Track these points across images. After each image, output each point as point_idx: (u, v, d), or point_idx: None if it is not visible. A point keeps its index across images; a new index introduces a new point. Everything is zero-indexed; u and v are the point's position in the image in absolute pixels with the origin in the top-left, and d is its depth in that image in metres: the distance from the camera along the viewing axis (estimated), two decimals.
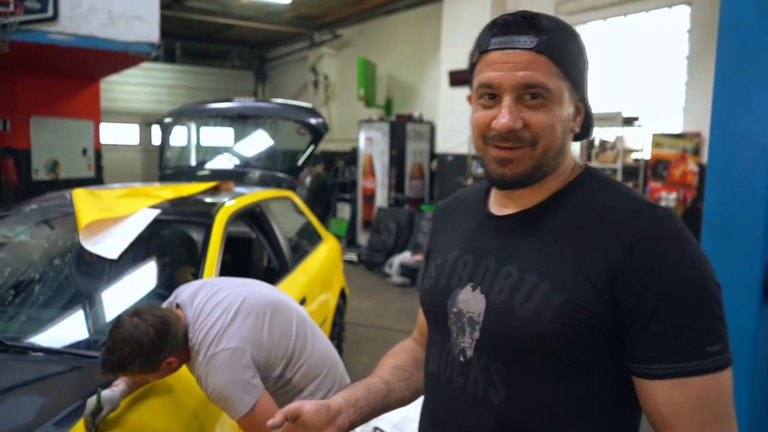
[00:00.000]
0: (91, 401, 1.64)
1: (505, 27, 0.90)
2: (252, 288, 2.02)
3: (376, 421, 3.45)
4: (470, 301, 0.97)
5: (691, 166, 5.94)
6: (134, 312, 1.70)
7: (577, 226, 0.91)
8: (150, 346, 1.63)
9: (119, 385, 1.76)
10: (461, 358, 0.97)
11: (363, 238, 9.48)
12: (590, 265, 0.86)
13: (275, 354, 1.89)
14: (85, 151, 9.14)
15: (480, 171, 7.17)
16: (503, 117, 0.89)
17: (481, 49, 0.93)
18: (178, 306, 1.87)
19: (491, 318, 0.93)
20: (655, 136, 6.25)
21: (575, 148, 7.22)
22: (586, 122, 1.00)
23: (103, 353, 1.63)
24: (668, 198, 5.93)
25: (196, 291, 1.89)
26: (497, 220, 1.01)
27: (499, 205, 1.03)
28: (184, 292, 1.90)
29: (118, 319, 1.70)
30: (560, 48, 0.90)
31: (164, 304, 1.91)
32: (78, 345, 2.10)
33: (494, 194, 1.05)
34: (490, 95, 0.92)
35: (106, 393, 1.68)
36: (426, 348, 1.10)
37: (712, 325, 0.82)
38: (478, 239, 1.02)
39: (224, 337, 1.76)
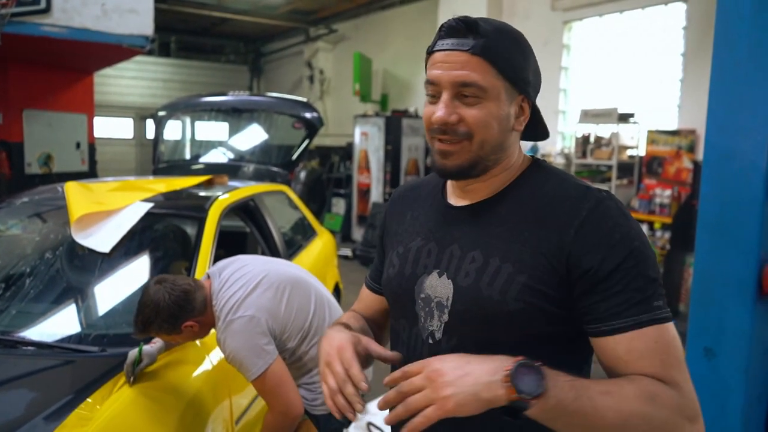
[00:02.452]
0: (133, 353, 1.83)
1: (449, 30, 0.99)
2: (276, 265, 2.18)
3: (369, 417, 3.44)
4: (437, 286, 1.05)
5: (686, 163, 5.94)
6: (158, 279, 1.89)
7: (532, 212, 1.00)
8: (167, 310, 1.82)
9: (158, 342, 1.96)
10: (430, 341, 1.05)
11: (358, 233, 9.47)
12: (547, 246, 0.96)
13: (291, 327, 2.02)
14: (78, 145, 9.09)
15: None
16: (439, 111, 0.99)
17: (428, 50, 1.03)
18: (208, 276, 2.05)
19: (460, 300, 1.01)
20: (650, 132, 6.25)
21: (565, 143, 7.22)
22: (536, 123, 1.08)
23: (134, 315, 1.85)
24: (662, 195, 5.94)
25: (226, 265, 2.08)
26: (458, 211, 1.09)
27: (456, 197, 1.11)
28: (216, 266, 2.10)
29: (146, 285, 1.90)
30: (497, 51, 0.98)
31: (202, 277, 2.10)
32: (69, 339, 2.08)
33: (451, 186, 1.13)
34: (433, 94, 1.01)
35: (146, 348, 1.89)
36: (391, 333, 1.18)
37: (654, 286, 0.93)
38: (440, 229, 1.10)
39: (243, 305, 1.91)
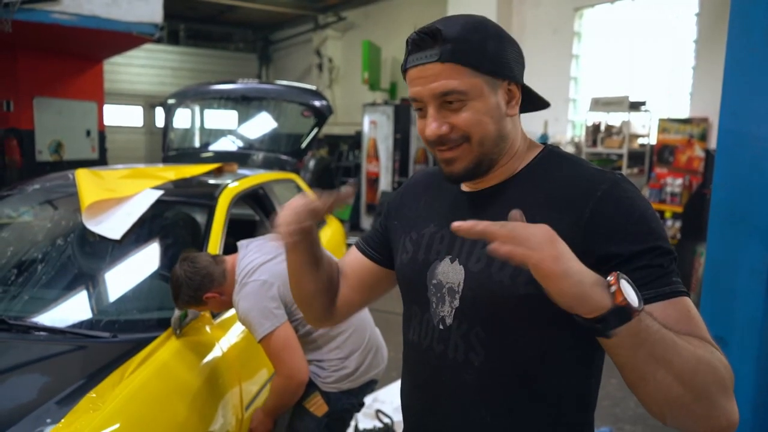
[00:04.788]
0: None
1: (415, 45, 1.00)
2: None
3: (378, 405, 3.46)
4: (449, 272, 1.05)
5: (698, 151, 5.89)
6: (181, 257, 2.07)
7: (545, 196, 1.00)
8: (186, 285, 1.99)
9: None
10: (441, 326, 1.06)
11: (367, 222, 9.48)
12: (560, 227, 0.91)
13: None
14: (88, 133, 9.13)
15: None
16: (429, 126, 1.00)
17: (402, 68, 1.04)
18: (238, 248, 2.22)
19: (471, 286, 1.02)
20: (661, 121, 6.20)
21: (574, 132, 7.17)
22: (530, 98, 1.08)
23: None
24: (673, 184, 5.89)
25: (256, 239, 2.25)
26: (471, 196, 1.09)
27: (468, 184, 1.11)
28: (247, 240, 2.25)
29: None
30: (465, 50, 0.97)
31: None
32: (81, 325, 2.10)
33: None
34: (419, 108, 1.03)
35: None
36: (404, 319, 1.18)
37: (673, 264, 0.92)
38: (453, 214, 1.08)
39: (258, 270, 2.04)
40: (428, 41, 0.98)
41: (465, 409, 1.05)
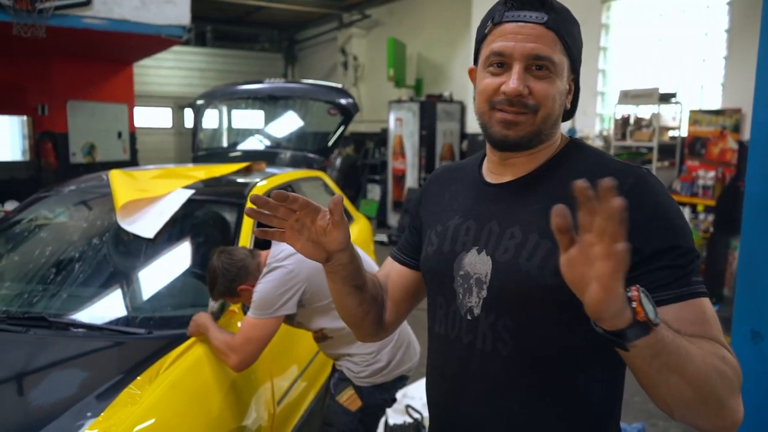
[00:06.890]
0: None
1: (519, 2, 0.99)
2: None
3: (408, 400, 3.47)
4: (476, 263, 1.05)
5: (731, 143, 5.76)
6: (219, 250, 2.13)
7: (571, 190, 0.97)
8: (222, 277, 2.06)
9: None
10: (468, 317, 1.06)
11: (393, 219, 9.49)
12: None
13: (326, 293, 2.07)
14: (120, 135, 9.31)
15: None
16: (513, 82, 0.98)
17: (494, 20, 1.01)
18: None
19: (499, 276, 1.02)
20: (692, 112, 6.07)
21: (593, 124, 7.07)
22: (573, 102, 1.09)
23: None
24: (706, 177, 5.78)
25: None
26: (496, 188, 1.09)
27: (494, 174, 1.11)
28: None
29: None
30: (567, 28, 1.00)
31: None
32: (117, 322, 2.15)
33: (488, 164, 1.13)
34: (499, 64, 1.00)
35: None
36: (428, 312, 1.18)
37: (695, 263, 0.94)
38: (478, 206, 1.10)
39: (289, 258, 2.08)
40: (535, 3, 0.98)
41: (492, 399, 1.05)
